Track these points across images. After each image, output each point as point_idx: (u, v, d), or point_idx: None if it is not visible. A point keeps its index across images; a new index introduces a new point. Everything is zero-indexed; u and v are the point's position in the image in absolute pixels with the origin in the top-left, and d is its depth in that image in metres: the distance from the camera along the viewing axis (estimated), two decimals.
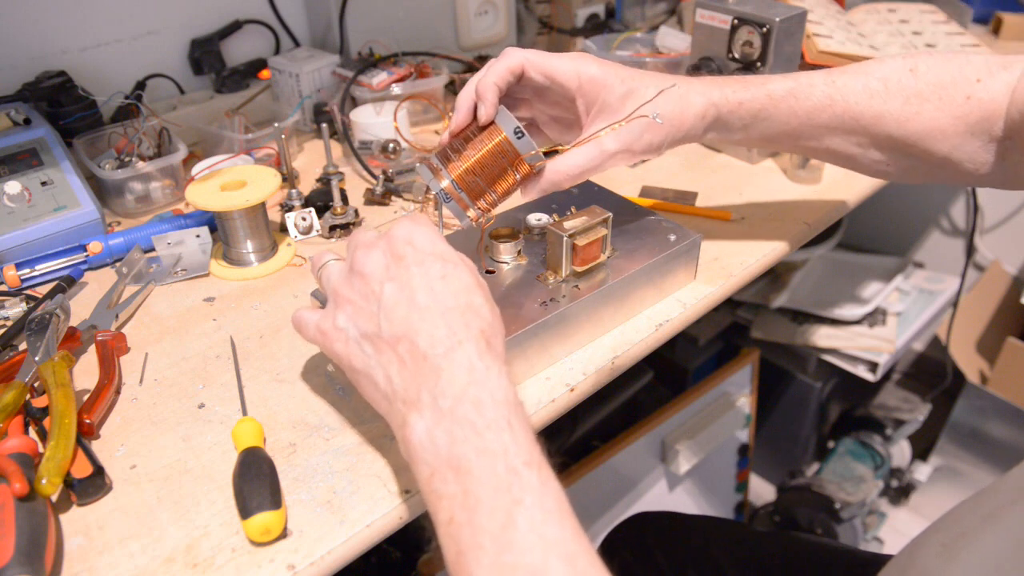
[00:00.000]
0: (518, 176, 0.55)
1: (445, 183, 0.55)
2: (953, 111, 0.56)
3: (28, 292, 0.70)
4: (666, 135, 0.58)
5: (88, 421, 0.52)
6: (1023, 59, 0.56)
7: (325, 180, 0.86)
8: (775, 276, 1.48)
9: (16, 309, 0.67)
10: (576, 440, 1.24)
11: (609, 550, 0.88)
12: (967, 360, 1.44)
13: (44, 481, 0.45)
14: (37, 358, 0.56)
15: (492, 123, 0.55)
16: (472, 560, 0.34)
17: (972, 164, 0.58)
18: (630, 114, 0.56)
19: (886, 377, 1.64)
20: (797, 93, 0.59)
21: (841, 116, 0.59)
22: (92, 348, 0.62)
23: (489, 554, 0.33)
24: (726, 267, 0.70)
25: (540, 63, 0.56)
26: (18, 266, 0.71)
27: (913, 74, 0.57)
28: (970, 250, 1.47)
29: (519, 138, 0.54)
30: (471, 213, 0.56)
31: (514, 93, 0.60)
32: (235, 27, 1.04)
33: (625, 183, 0.86)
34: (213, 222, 0.76)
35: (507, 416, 0.38)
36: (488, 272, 0.60)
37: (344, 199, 0.80)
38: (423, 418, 0.39)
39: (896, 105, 0.57)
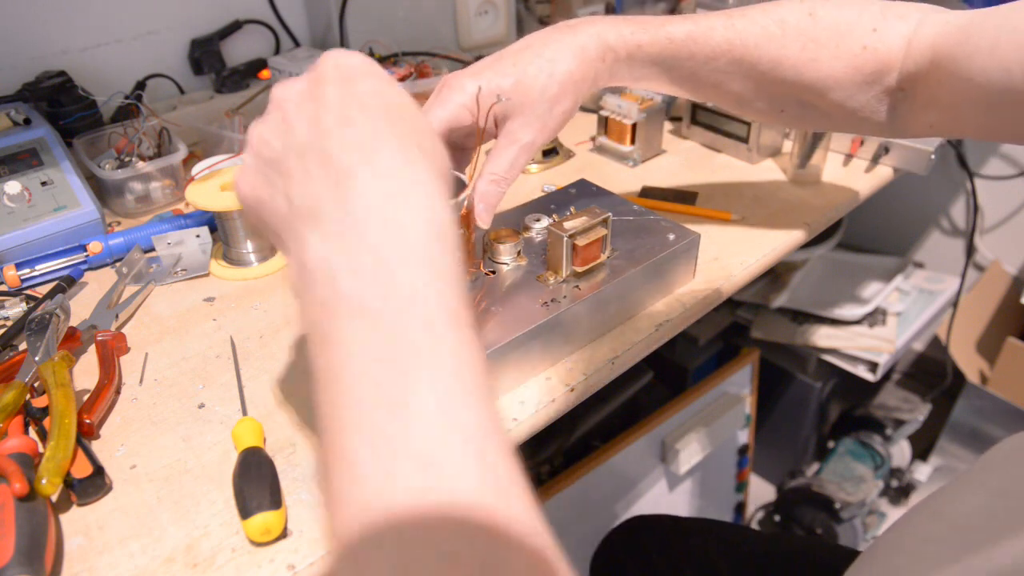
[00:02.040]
0: (460, 231, 0.54)
1: None
2: (849, 60, 0.56)
3: (28, 292, 0.70)
4: (574, 95, 0.56)
5: (88, 421, 0.52)
6: (917, 9, 0.56)
7: None
8: (775, 276, 1.48)
9: (16, 309, 0.67)
10: (576, 440, 1.24)
11: (605, 554, 0.88)
12: (967, 360, 1.44)
13: (44, 481, 0.45)
14: (37, 358, 0.56)
15: None
16: (349, 427, 0.26)
17: (864, 113, 0.58)
18: (489, 108, 0.54)
19: (886, 377, 1.64)
20: (696, 37, 0.58)
21: (740, 61, 0.58)
22: (92, 348, 0.62)
23: (373, 424, 0.26)
24: (726, 267, 0.70)
25: (432, 124, 0.53)
26: (18, 266, 0.71)
27: (812, 17, 0.57)
28: (970, 250, 1.47)
29: None
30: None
31: None
32: (235, 27, 1.04)
33: (625, 183, 0.86)
34: (213, 222, 0.76)
35: (430, 250, 0.29)
36: (488, 273, 0.60)
37: None
38: (321, 235, 0.30)
39: (794, 50, 0.57)
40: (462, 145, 0.60)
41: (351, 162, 0.31)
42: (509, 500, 0.26)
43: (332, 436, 0.27)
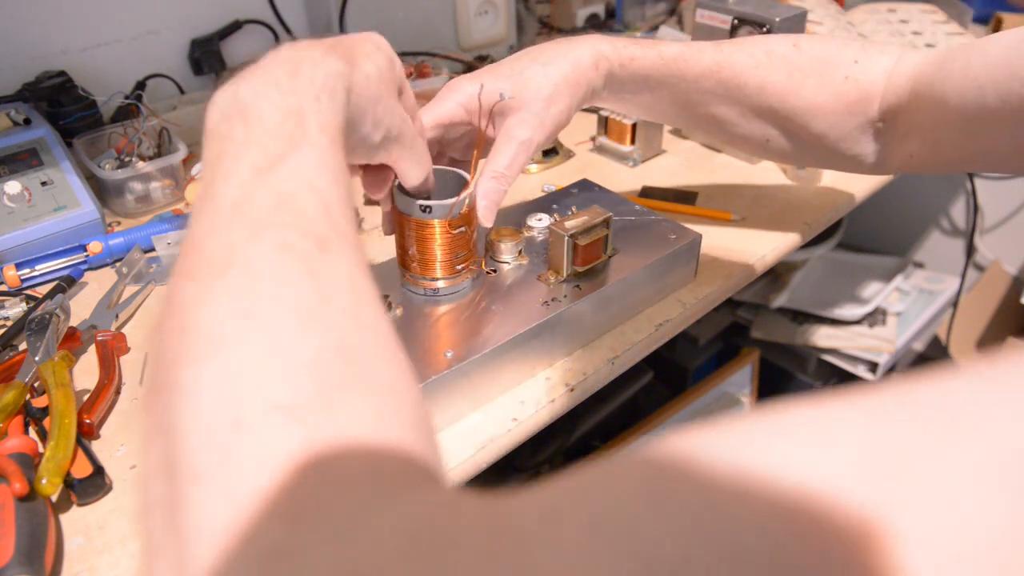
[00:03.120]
0: (463, 228, 0.54)
1: (439, 283, 0.56)
2: (832, 89, 0.58)
3: (28, 292, 0.70)
4: (570, 98, 0.57)
5: (88, 421, 0.52)
6: (897, 47, 0.58)
7: None
8: (775, 276, 1.48)
9: (16, 309, 0.67)
10: (576, 440, 1.24)
11: None
12: (967, 360, 1.44)
13: (44, 481, 0.45)
14: (37, 358, 0.56)
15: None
16: (224, 176, 0.30)
17: (847, 144, 0.60)
18: (491, 109, 0.55)
19: (886, 377, 1.64)
20: (687, 56, 0.59)
21: (727, 83, 0.60)
22: (92, 348, 0.62)
23: (242, 174, 0.30)
24: (726, 267, 0.70)
25: (427, 120, 0.55)
26: (18, 266, 0.71)
27: (796, 48, 0.59)
28: (970, 250, 1.47)
29: (428, 213, 0.53)
30: (460, 280, 0.57)
31: None
32: (235, 27, 1.04)
33: (625, 183, 0.86)
34: None
35: (317, 92, 0.36)
36: (489, 272, 0.60)
37: None
38: (241, 78, 0.36)
39: (780, 77, 0.59)
40: (461, 158, 0.61)
41: (287, 47, 0.38)
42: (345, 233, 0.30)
43: (204, 191, 0.31)
